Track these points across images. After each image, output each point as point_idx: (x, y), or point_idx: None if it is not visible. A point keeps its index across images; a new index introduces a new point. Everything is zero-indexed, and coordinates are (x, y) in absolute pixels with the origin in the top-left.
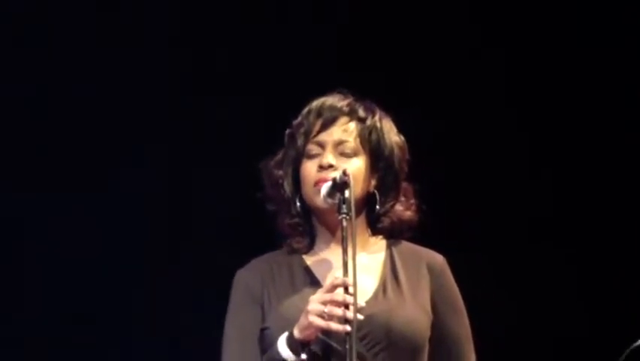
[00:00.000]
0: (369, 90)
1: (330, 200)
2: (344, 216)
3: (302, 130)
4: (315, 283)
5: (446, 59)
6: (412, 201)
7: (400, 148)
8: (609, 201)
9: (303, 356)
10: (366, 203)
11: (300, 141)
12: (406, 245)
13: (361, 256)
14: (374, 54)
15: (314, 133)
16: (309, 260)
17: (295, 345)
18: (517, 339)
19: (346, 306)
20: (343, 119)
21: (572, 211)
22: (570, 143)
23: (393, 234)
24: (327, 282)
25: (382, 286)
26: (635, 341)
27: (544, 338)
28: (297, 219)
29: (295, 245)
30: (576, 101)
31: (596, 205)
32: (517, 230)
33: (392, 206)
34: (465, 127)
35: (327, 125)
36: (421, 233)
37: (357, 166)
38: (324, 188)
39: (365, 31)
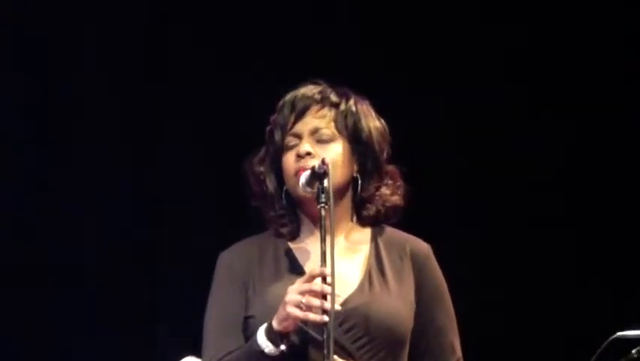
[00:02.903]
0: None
1: (309, 189)
2: (322, 205)
3: (278, 125)
4: (299, 272)
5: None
6: (399, 183)
7: (379, 131)
8: (613, 192)
9: (282, 346)
10: (350, 188)
11: (277, 136)
12: (390, 232)
13: (345, 245)
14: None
15: (289, 125)
16: (295, 246)
17: (274, 336)
18: (505, 328)
19: (324, 296)
20: (316, 107)
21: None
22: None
23: (379, 220)
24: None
25: (368, 278)
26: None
27: (534, 329)
28: (282, 212)
29: (282, 230)
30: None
31: (600, 197)
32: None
33: (377, 189)
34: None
35: (300, 115)
36: (409, 218)
37: (335, 151)
38: (303, 177)
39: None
